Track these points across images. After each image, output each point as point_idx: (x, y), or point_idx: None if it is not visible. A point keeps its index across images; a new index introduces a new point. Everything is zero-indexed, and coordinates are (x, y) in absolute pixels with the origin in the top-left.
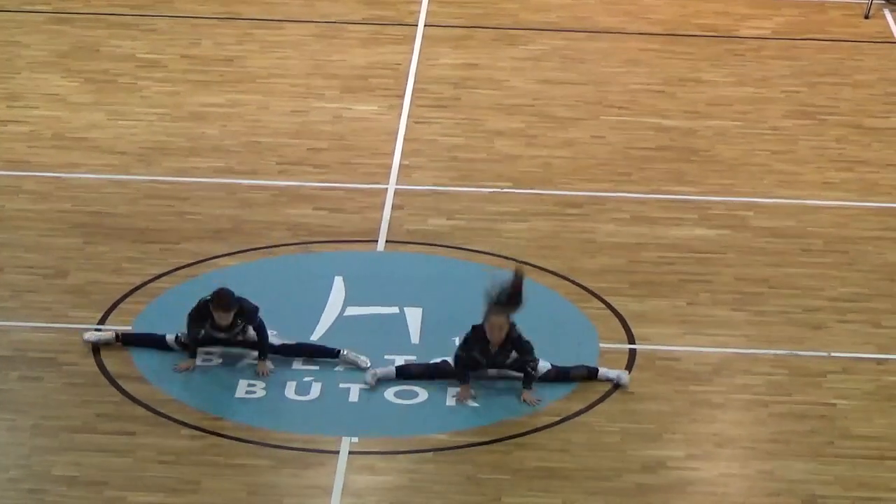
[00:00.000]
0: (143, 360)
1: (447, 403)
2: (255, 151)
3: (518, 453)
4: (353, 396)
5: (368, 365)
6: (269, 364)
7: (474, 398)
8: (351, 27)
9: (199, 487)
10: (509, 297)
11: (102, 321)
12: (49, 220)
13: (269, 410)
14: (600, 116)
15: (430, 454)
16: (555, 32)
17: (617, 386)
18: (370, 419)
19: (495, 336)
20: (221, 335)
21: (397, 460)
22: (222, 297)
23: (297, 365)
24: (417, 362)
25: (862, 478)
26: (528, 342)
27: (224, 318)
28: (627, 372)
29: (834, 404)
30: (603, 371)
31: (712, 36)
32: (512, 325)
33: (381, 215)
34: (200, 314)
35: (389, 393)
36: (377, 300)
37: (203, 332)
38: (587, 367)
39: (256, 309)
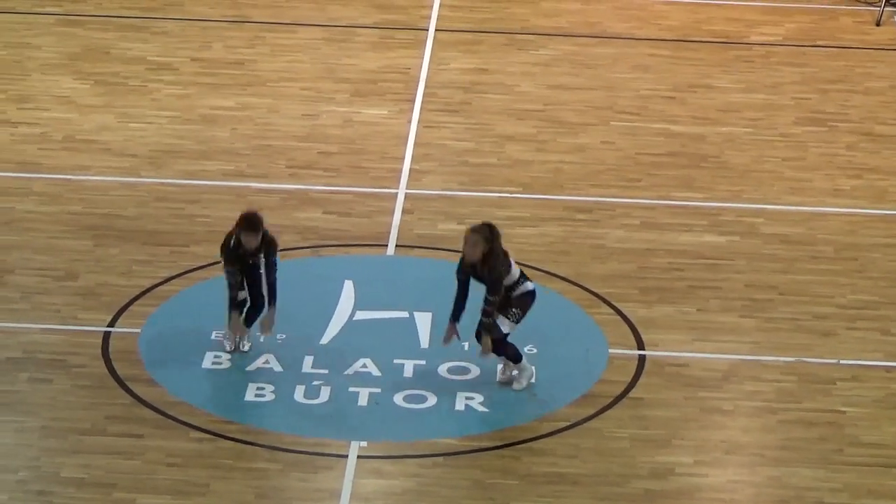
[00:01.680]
0: (153, 363)
1: (456, 408)
2: (265, 155)
3: (527, 458)
4: (362, 400)
5: (246, 349)
6: (274, 321)
7: (459, 338)
8: (361, 31)
9: (207, 490)
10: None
11: (112, 324)
12: (59, 222)
13: (278, 414)
14: (610, 122)
15: (440, 459)
16: (565, 38)
17: (626, 392)
18: (379, 423)
19: (467, 251)
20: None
21: (406, 464)
22: (251, 220)
23: (307, 369)
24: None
25: (870, 485)
26: (498, 274)
27: (252, 241)
28: (523, 383)
29: (843, 412)
30: (523, 366)
31: (723, 42)
32: (492, 252)
33: (391, 219)
34: (233, 254)
35: (398, 397)
36: (387, 304)
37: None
38: (518, 351)
39: (277, 245)
